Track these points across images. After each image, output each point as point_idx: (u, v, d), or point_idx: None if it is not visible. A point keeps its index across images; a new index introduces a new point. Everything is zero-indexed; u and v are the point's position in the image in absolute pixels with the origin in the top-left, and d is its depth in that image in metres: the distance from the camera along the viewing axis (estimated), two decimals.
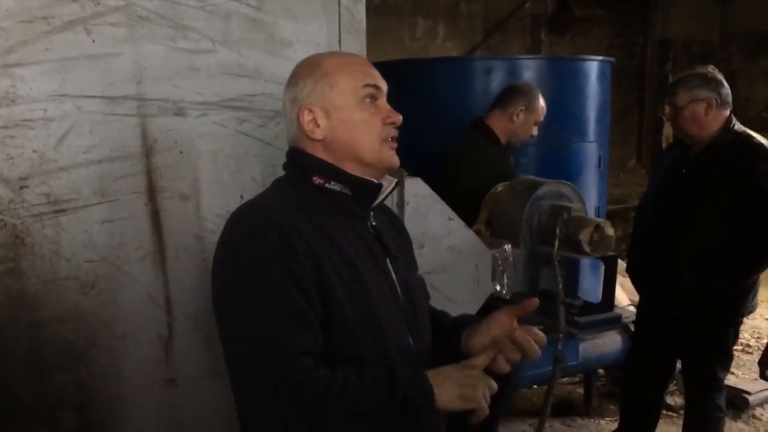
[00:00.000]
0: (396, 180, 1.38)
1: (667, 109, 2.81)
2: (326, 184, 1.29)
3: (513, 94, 3.02)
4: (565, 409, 3.78)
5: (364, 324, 1.26)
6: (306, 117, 1.30)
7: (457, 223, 2.30)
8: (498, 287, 2.45)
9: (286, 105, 1.35)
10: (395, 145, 1.33)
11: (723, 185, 2.64)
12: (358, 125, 1.29)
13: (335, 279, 1.22)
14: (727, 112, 2.75)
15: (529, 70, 3.39)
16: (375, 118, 1.30)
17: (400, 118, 1.32)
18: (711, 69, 2.85)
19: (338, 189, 1.30)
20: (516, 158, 3.27)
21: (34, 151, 1.60)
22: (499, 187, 2.82)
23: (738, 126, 2.78)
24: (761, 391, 3.70)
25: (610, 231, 2.43)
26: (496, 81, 3.37)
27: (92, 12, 1.63)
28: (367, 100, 1.29)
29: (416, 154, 3.25)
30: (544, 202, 2.58)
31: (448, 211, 2.28)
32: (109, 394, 1.75)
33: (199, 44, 1.77)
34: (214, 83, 1.79)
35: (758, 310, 3.26)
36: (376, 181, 1.32)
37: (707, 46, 6.94)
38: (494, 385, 1.20)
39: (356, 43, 2.00)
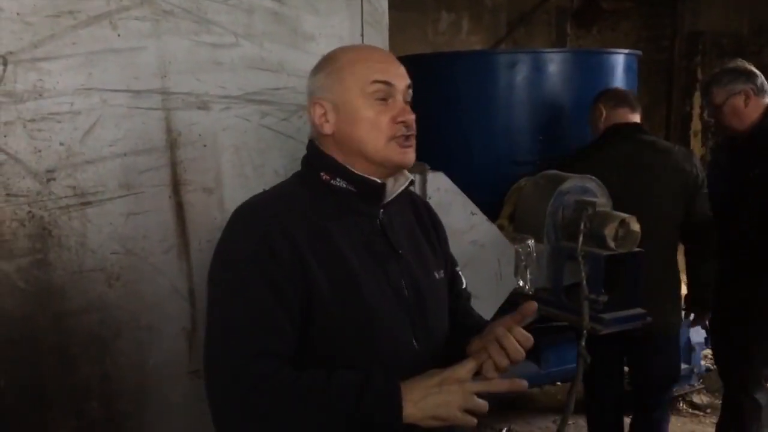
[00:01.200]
0: (411, 178, 1.35)
1: (707, 111, 2.82)
2: (332, 181, 1.29)
3: None
4: None
5: (352, 325, 1.25)
6: (317, 111, 1.29)
7: (480, 218, 2.29)
8: (521, 282, 2.44)
9: (307, 98, 1.36)
10: (409, 143, 1.29)
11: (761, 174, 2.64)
12: (362, 123, 1.27)
13: (323, 280, 1.21)
14: (767, 101, 2.73)
15: (554, 63, 3.34)
16: (382, 116, 1.27)
17: (413, 117, 1.29)
18: (740, 62, 2.84)
19: (344, 186, 1.29)
20: (541, 152, 3.24)
21: (61, 144, 1.62)
22: (523, 181, 2.80)
23: None
24: None
25: (635, 226, 2.40)
26: (521, 75, 3.33)
27: (117, 6, 1.64)
28: (376, 96, 1.27)
29: (440, 148, 3.25)
30: (569, 197, 2.56)
31: (471, 206, 2.26)
32: (133, 385, 1.77)
33: (222, 38, 1.77)
34: (237, 77, 1.80)
35: None
36: (379, 181, 1.30)
37: (737, 39, 6.80)
38: (476, 402, 1.15)
39: (379, 37, 2.00)
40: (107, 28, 1.65)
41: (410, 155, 1.30)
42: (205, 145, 1.78)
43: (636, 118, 2.77)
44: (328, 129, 1.29)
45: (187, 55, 1.73)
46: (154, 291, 1.76)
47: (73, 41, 1.62)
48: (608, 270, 2.39)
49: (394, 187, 1.34)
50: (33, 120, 1.59)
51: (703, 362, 3.99)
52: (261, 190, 1.84)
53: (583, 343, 2.31)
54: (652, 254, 2.52)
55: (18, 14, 1.55)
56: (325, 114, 1.29)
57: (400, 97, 1.30)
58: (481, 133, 3.28)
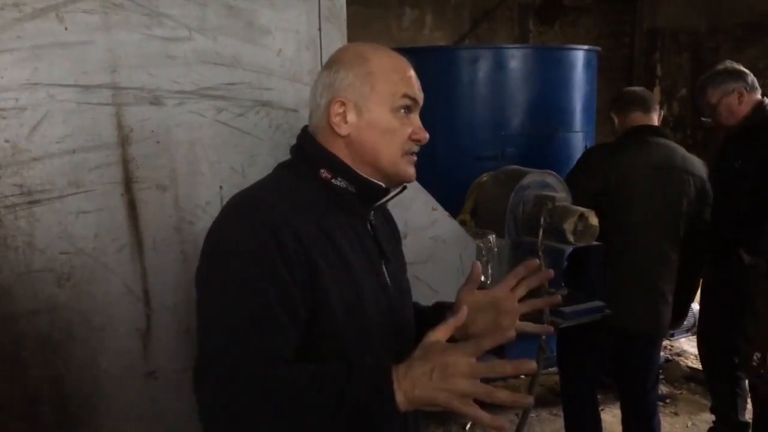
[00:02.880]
0: (404, 185, 1.34)
1: (703, 111, 2.91)
2: (333, 180, 1.26)
3: None
4: (553, 399, 3.79)
5: (353, 326, 1.23)
6: (336, 109, 1.25)
7: (441, 213, 2.29)
8: (482, 278, 2.44)
9: (318, 88, 1.29)
10: (414, 159, 1.30)
11: (760, 165, 2.75)
12: (385, 132, 1.25)
13: (330, 280, 1.18)
14: (758, 96, 2.87)
15: (515, 59, 3.37)
16: (404, 129, 1.26)
17: (427, 136, 1.29)
18: (729, 63, 3.00)
19: (344, 186, 1.26)
20: (502, 148, 3.26)
21: (6, 141, 1.57)
22: (484, 177, 2.81)
23: None
24: None
25: (594, 220, 2.43)
26: (483, 70, 3.35)
27: None
28: (402, 110, 1.26)
29: None
30: (529, 192, 2.58)
31: (432, 201, 2.26)
32: (86, 388, 1.72)
33: (174, 32, 1.73)
34: (191, 72, 1.76)
35: None
36: (383, 185, 1.29)
37: (695, 35, 6.93)
38: (480, 388, 1.02)
39: (337, 32, 1.98)
40: (54, 21, 1.60)
41: (414, 172, 1.31)
42: (158, 142, 1.74)
43: (649, 119, 2.74)
44: (344, 130, 1.25)
45: (137, 49, 1.69)
46: (106, 291, 1.72)
47: (17, 35, 1.57)
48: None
49: (392, 191, 1.33)
50: None
51: (662, 353, 4.06)
52: (217, 188, 1.83)
53: (544, 337, 2.33)
54: (660, 256, 2.58)
55: None
56: (344, 113, 1.25)
57: (417, 114, 1.30)
58: (443, 128, 3.29)
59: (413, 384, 1.03)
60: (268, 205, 1.20)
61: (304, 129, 1.33)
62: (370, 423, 1.06)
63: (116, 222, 1.72)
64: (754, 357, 2.66)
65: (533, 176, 2.59)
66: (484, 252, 2.43)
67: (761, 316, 2.72)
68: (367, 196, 1.29)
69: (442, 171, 3.08)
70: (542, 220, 2.43)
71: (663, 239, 2.62)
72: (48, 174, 1.62)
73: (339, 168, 1.26)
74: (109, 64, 1.67)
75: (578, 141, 3.56)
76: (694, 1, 6.92)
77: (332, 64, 1.29)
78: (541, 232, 2.42)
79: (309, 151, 1.29)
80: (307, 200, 1.24)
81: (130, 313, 1.76)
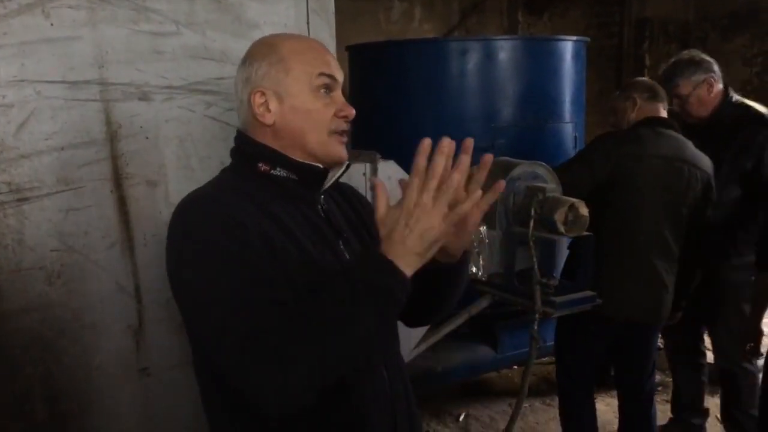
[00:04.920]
0: (347, 163, 1.35)
1: (674, 101, 2.90)
2: (272, 171, 1.27)
3: None
4: (546, 388, 3.81)
5: None
6: (258, 100, 1.27)
7: None
8: (474, 269, 2.45)
9: (238, 85, 1.31)
10: (345, 139, 1.30)
11: (730, 156, 2.76)
12: (309, 114, 1.26)
13: (287, 261, 1.18)
14: (722, 86, 2.84)
15: (504, 51, 3.36)
16: (327, 108, 1.27)
17: (353, 112, 1.29)
18: (694, 52, 3.00)
19: (284, 175, 1.28)
20: (492, 140, 3.26)
21: None
22: (474, 168, 2.80)
23: (736, 97, 2.94)
24: None
25: (584, 211, 2.43)
26: (472, 62, 3.34)
27: None
28: (322, 90, 1.27)
29: (392, 136, 3.24)
30: (520, 183, 2.57)
31: None
32: (78, 385, 1.72)
33: (162, 27, 1.73)
34: (180, 67, 1.76)
35: None
36: (321, 166, 1.29)
37: (683, 25, 6.94)
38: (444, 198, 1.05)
39: (325, 25, 1.97)
40: (40, 17, 1.59)
41: (345, 150, 1.31)
42: (147, 137, 1.74)
43: (661, 110, 2.74)
44: (268, 119, 1.27)
45: (125, 44, 1.68)
46: (97, 288, 1.72)
47: (3, 31, 1.56)
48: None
49: (332, 172, 1.33)
50: None
51: None
52: None
53: (536, 327, 2.34)
54: (664, 246, 2.60)
55: None
56: (266, 103, 1.27)
57: (340, 92, 1.30)
58: (432, 120, 3.28)
59: (402, 241, 1.06)
60: (214, 202, 1.20)
61: (238, 129, 1.34)
62: (392, 300, 1.06)
63: (106, 219, 1.71)
64: (747, 347, 2.70)
65: (524, 167, 2.59)
66: (475, 243, 2.43)
67: (751, 311, 2.76)
68: (308, 180, 1.30)
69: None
70: (533, 211, 2.43)
71: (667, 230, 2.62)
72: (37, 171, 1.61)
73: (274, 158, 1.27)
74: (97, 60, 1.66)
75: (568, 132, 3.56)
76: None
77: (245, 59, 1.31)
78: (532, 223, 2.41)
79: (244, 149, 1.31)
80: (253, 194, 1.24)
81: (122, 310, 1.75)
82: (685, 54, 3.02)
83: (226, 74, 1.82)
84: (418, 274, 1.10)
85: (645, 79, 3.02)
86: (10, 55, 1.56)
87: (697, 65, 2.91)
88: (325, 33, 1.96)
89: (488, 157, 1.18)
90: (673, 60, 3.05)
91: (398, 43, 4.36)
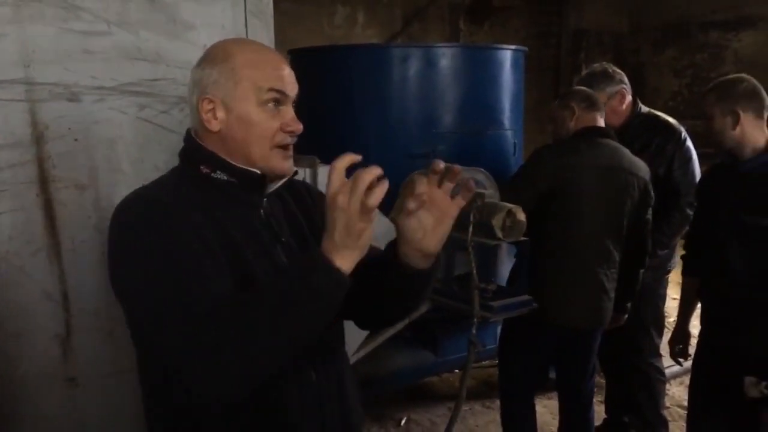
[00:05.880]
0: (294, 170, 1.35)
1: None
2: (212, 174, 1.28)
3: None
4: (486, 391, 3.86)
5: None
6: (206, 106, 1.26)
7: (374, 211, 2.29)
8: None
9: (190, 86, 1.30)
10: (290, 153, 1.31)
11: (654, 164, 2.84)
12: (253, 127, 1.26)
13: (223, 266, 1.19)
14: (631, 97, 2.96)
15: (445, 58, 3.40)
16: (272, 122, 1.26)
17: (300, 127, 1.30)
18: (606, 65, 3.11)
19: (224, 178, 1.28)
20: (433, 146, 3.28)
21: None
22: (415, 174, 2.82)
23: (643, 107, 3.01)
24: (669, 367, 3.89)
25: (521, 216, 2.47)
26: (413, 68, 3.37)
27: None
28: (270, 104, 1.26)
29: (334, 141, 3.23)
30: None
31: None
32: (3, 397, 1.65)
33: (93, 26, 1.68)
34: (111, 67, 1.71)
35: (668, 291, 3.46)
36: (258, 172, 1.29)
37: (618, 37, 7.19)
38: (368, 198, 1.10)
39: (263, 28, 1.95)
40: None
41: (290, 163, 1.32)
42: (76, 139, 1.68)
43: (598, 120, 2.79)
44: (214, 126, 1.27)
45: (53, 43, 1.63)
46: (22, 296, 1.65)
47: None
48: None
49: (276, 179, 1.32)
50: None
51: None
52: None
53: (474, 331, 2.36)
54: (605, 254, 2.65)
55: None
56: (213, 110, 1.26)
57: (290, 106, 1.30)
58: (374, 125, 3.29)
59: (331, 236, 1.10)
60: (154, 202, 1.21)
61: (187, 129, 1.35)
62: (326, 295, 1.10)
63: (32, 223, 1.65)
64: (676, 348, 2.79)
65: (463, 173, 2.62)
66: None
67: (679, 314, 2.86)
68: (248, 185, 1.30)
69: None
70: (472, 216, 2.46)
71: (607, 238, 2.68)
72: None
73: (215, 162, 1.28)
74: (22, 59, 1.60)
75: (507, 139, 3.62)
76: (617, 4, 7.17)
77: (200, 61, 1.31)
78: (471, 228, 2.44)
79: (189, 151, 1.32)
80: (195, 195, 1.25)
81: (49, 319, 1.69)
82: (598, 66, 3.12)
83: (160, 75, 1.78)
84: (388, 277, 1.17)
85: (583, 88, 3.08)
86: None
87: (611, 77, 3.02)
88: (264, 36, 1.94)
89: (457, 168, 1.24)
90: (586, 72, 3.17)
91: (341, 47, 4.36)
